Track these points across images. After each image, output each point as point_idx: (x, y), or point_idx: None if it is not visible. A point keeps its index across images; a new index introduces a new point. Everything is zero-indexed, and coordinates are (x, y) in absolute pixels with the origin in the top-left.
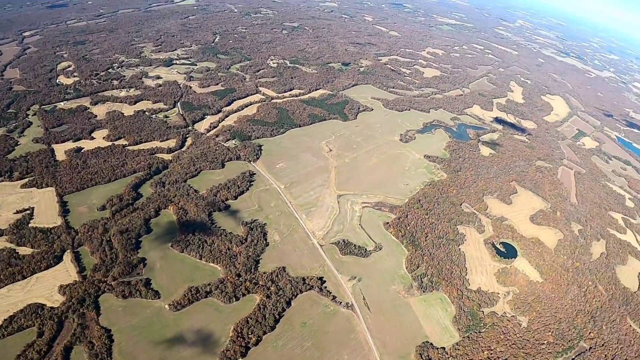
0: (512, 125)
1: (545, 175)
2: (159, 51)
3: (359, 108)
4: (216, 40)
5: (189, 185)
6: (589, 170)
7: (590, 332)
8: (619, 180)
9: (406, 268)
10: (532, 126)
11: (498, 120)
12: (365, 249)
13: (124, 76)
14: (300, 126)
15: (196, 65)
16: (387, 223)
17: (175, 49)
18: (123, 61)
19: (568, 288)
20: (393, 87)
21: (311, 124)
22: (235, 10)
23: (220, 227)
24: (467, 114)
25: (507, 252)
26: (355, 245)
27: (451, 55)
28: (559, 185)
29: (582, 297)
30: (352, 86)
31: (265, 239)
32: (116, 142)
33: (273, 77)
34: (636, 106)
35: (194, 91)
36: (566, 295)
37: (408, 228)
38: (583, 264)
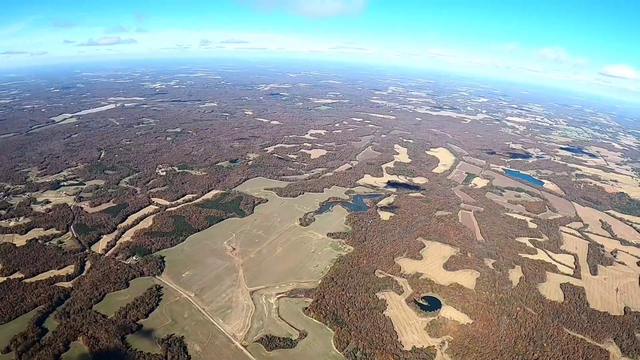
0: (405, 185)
1: (447, 223)
2: (45, 174)
3: (254, 202)
4: (102, 156)
5: (95, 311)
6: (486, 207)
7: (533, 354)
8: (516, 208)
9: (336, 348)
10: (424, 181)
11: (391, 183)
12: (290, 339)
13: (11, 205)
14: (199, 230)
15: (84, 184)
16: (307, 308)
17: (61, 170)
18: (9, 189)
19: (499, 320)
20: (284, 175)
21: (210, 226)
22: (117, 123)
23: (136, 349)
24: (360, 185)
25: (431, 305)
26: (279, 338)
27: (333, 132)
28: (462, 229)
29: (515, 324)
30: (244, 181)
31: (186, 352)
32: (11, 277)
33: (164, 185)
34: (514, 137)
35: (86, 211)
36: (499, 327)
37: (328, 308)
38: (506, 293)
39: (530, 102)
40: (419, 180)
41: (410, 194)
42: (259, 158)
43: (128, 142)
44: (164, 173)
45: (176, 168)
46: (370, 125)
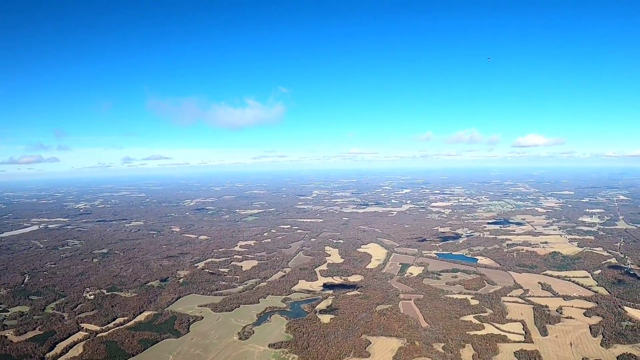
0: (342, 285)
1: (389, 316)
2: None
3: (189, 320)
4: (26, 280)
5: None
6: (425, 293)
7: None
8: (455, 288)
9: None
10: (360, 278)
11: (327, 286)
12: None
13: None
14: (133, 355)
15: (8, 311)
16: None
17: None
18: None
19: None
20: (217, 289)
21: (144, 349)
22: (41, 246)
23: None
24: (295, 291)
25: None
26: None
27: (263, 242)
28: (405, 319)
29: None
30: (176, 300)
31: None
32: None
33: (92, 309)
34: (441, 222)
35: (11, 340)
36: None
37: None
38: None
39: (451, 185)
40: (354, 279)
41: (348, 293)
42: (190, 275)
43: (53, 265)
44: (92, 296)
45: (105, 290)
46: (299, 231)
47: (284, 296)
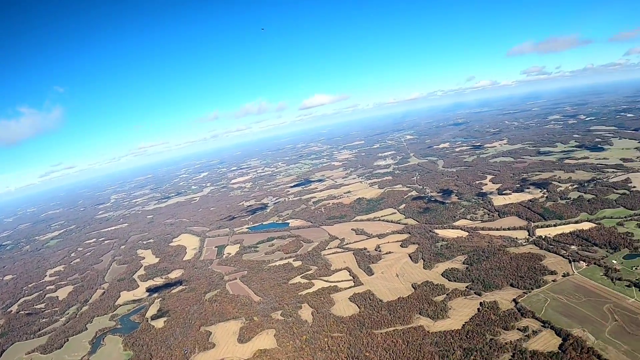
0: (166, 285)
1: (220, 301)
2: None
3: None
4: None
5: None
6: (249, 268)
7: None
8: (275, 256)
9: None
10: (181, 273)
11: (150, 290)
12: None
13: None
14: None
15: None
16: None
17: None
18: None
19: (315, 358)
20: (39, 330)
21: None
22: None
23: None
24: (121, 305)
25: None
26: None
27: (72, 263)
28: (237, 298)
29: (331, 352)
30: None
31: None
32: None
33: None
34: (245, 196)
35: None
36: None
37: None
38: (307, 333)
39: (247, 159)
40: (175, 275)
41: (174, 291)
42: (6, 322)
43: None
44: None
45: None
46: (106, 242)
47: (111, 314)
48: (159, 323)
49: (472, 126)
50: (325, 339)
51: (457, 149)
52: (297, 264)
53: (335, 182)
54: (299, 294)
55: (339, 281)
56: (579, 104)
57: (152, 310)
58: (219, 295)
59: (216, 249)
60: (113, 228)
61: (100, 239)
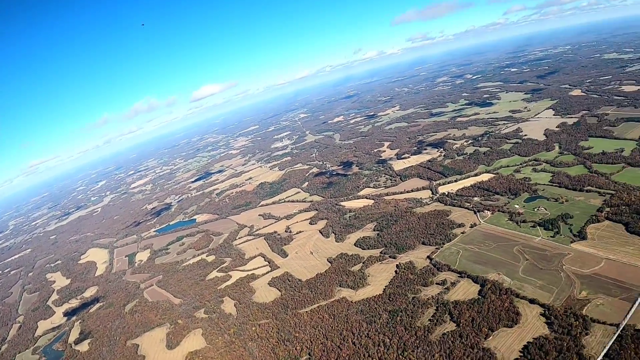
0: (83, 306)
1: (141, 311)
2: None
3: None
4: None
5: None
6: (163, 272)
7: (298, 349)
8: (188, 254)
9: None
10: (95, 289)
11: (68, 314)
12: None
13: None
14: None
15: None
16: None
17: None
18: None
19: (247, 347)
20: None
21: None
22: None
23: None
24: (40, 336)
25: None
26: None
27: None
28: (157, 305)
29: (261, 340)
30: None
31: None
32: None
33: None
34: (148, 199)
35: None
36: (252, 352)
37: None
38: (234, 325)
39: (143, 161)
40: (90, 293)
41: (92, 310)
42: None
43: None
44: None
45: None
46: (12, 272)
47: (32, 347)
48: (84, 346)
49: (363, 97)
50: (253, 328)
51: (351, 121)
52: (211, 258)
53: (236, 170)
54: (218, 288)
55: (256, 268)
56: (465, 65)
57: (74, 335)
58: (139, 305)
59: (127, 258)
60: (17, 256)
61: (6, 270)
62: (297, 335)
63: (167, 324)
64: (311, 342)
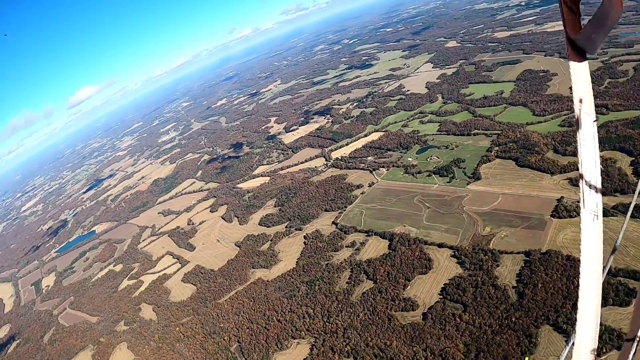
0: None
1: (60, 339)
2: None
3: None
4: None
5: None
6: (74, 293)
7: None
8: (94, 268)
9: None
10: (8, 328)
11: None
12: None
13: None
14: None
15: None
16: None
17: None
18: None
19: (178, 349)
20: None
21: None
22: None
23: None
24: None
25: None
26: None
27: None
28: (75, 329)
29: (188, 339)
30: None
31: None
32: None
33: None
34: (41, 221)
35: None
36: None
37: None
38: (157, 330)
39: (29, 180)
40: (4, 333)
41: (10, 350)
42: None
43: None
44: None
45: None
46: None
47: None
48: None
49: (244, 76)
50: (177, 329)
51: (235, 102)
52: (119, 267)
53: (127, 172)
54: (133, 296)
55: (166, 268)
56: (341, 30)
57: None
58: (57, 333)
59: (33, 287)
60: None
61: None
62: (222, 325)
63: (90, 346)
64: (237, 329)
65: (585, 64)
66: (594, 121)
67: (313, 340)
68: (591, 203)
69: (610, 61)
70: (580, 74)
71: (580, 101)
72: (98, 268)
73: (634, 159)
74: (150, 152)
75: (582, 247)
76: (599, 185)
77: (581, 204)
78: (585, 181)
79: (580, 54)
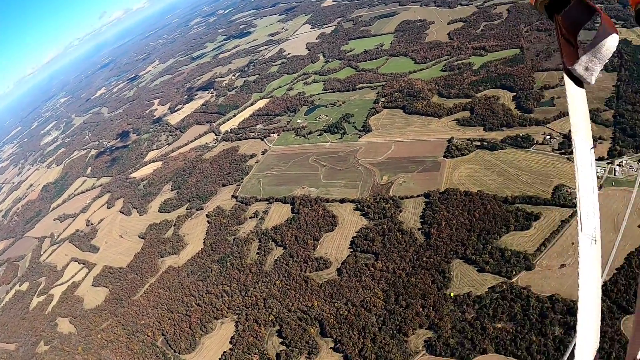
0: None
1: None
2: None
3: None
4: None
5: None
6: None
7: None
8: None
9: None
10: None
11: None
12: None
13: None
14: None
15: None
16: None
17: None
18: None
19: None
20: None
21: None
22: None
23: None
24: None
25: None
26: None
27: None
28: None
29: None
30: None
31: None
32: None
33: None
34: None
35: None
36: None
37: None
38: (82, 348)
39: None
40: None
41: None
42: None
43: None
44: None
45: None
46: None
47: None
48: None
49: (120, 61)
50: (99, 336)
51: (114, 90)
52: (25, 286)
53: (13, 182)
54: (46, 313)
55: (73, 275)
56: (215, 1)
57: None
58: None
59: None
60: None
61: None
62: (144, 322)
63: None
64: (159, 322)
65: (583, 92)
66: (592, 148)
67: (236, 317)
68: (589, 228)
69: (484, 5)
70: (577, 103)
71: (578, 129)
72: (3, 292)
73: (515, 94)
74: (34, 157)
75: (579, 270)
76: (597, 210)
77: (579, 228)
78: (583, 206)
79: (577, 83)
